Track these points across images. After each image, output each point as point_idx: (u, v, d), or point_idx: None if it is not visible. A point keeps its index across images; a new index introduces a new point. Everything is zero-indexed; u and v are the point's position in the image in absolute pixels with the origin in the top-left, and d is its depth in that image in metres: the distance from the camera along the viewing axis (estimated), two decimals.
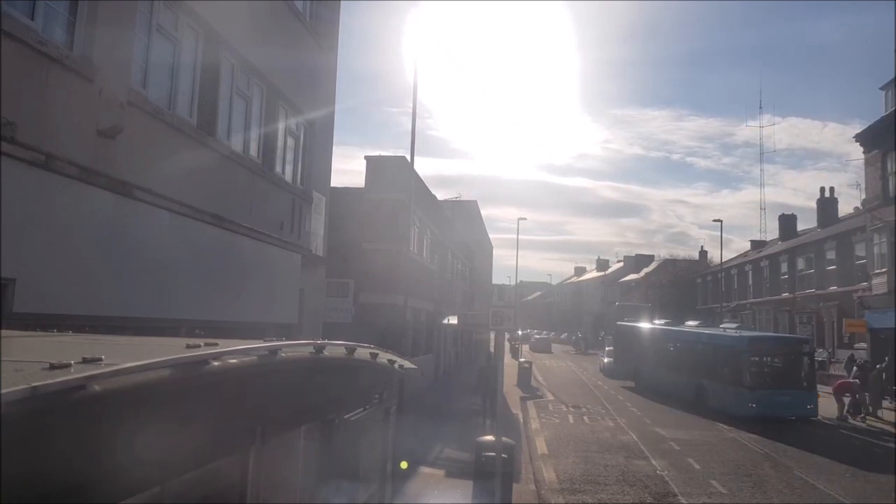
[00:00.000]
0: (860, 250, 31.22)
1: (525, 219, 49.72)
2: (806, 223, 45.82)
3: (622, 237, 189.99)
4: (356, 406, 4.57)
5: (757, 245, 51.94)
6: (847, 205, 63.61)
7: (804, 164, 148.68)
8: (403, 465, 9.66)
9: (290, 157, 11.35)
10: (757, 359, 20.96)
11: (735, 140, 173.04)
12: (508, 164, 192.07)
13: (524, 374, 28.36)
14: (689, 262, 69.27)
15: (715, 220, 47.89)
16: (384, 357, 5.12)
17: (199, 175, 8.42)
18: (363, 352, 4.49)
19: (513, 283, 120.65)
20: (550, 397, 25.74)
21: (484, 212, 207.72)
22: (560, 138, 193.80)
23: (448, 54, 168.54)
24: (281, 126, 10.81)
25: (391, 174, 19.89)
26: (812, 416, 20.40)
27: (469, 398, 20.72)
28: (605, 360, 37.90)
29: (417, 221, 22.08)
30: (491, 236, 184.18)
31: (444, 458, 13.36)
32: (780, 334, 30.93)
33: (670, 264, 69.60)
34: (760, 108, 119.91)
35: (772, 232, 54.17)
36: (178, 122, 7.92)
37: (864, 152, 29.84)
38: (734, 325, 24.99)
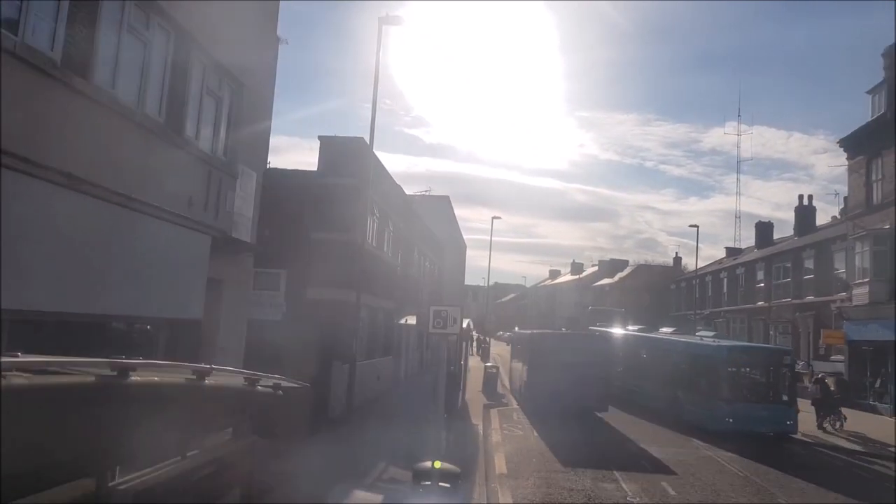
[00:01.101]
0: (839, 260, 30.23)
1: (499, 217, 47.74)
2: (776, 233, 45.23)
3: (593, 241, 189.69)
4: (170, 451, 2.98)
5: (732, 252, 51.15)
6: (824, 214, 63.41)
7: (770, 173, 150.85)
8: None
9: (208, 120, 9.52)
10: (735, 370, 19.64)
11: (701, 147, 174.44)
12: (479, 163, 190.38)
13: (490, 379, 26.77)
14: (663, 268, 68.61)
15: (691, 226, 46.81)
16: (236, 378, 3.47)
17: (69, 132, 6.63)
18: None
19: (488, 284, 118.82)
20: (516, 405, 24.18)
21: (456, 212, 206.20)
22: (529, 139, 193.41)
23: (422, 53, 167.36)
24: (195, 80, 9.00)
25: (348, 157, 18.09)
26: (791, 433, 19.13)
27: (429, 405, 19.07)
28: None
29: (377, 211, 20.32)
30: (464, 237, 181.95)
31: (385, 479, 11.64)
32: (759, 345, 29.61)
33: (644, 270, 68.92)
34: (739, 115, 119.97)
35: (744, 241, 53.56)
36: (31, 53, 6.10)
37: (847, 158, 28.82)
38: (711, 334, 23.72)
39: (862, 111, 31.62)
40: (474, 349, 52.18)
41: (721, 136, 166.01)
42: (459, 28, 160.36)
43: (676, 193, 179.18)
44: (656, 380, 23.33)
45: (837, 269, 30.20)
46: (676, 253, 70.27)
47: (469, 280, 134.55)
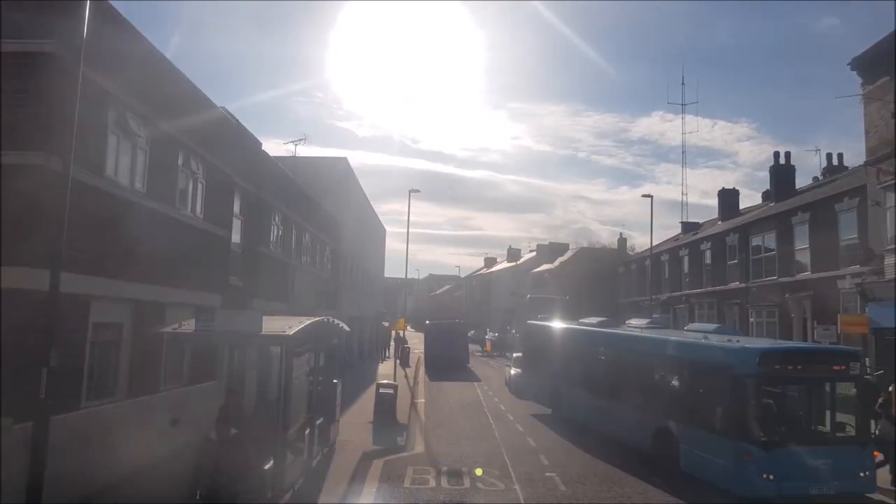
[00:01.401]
0: (847, 223, 23.10)
1: (419, 191, 39.10)
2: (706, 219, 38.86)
3: (528, 232, 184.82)
4: None
5: (690, 228, 44.19)
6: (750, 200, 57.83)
7: (697, 161, 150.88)
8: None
9: None
10: (776, 389, 11.72)
11: (630, 136, 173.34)
12: (413, 156, 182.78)
13: (384, 404, 18.04)
14: (607, 251, 61.71)
15: (644, 196, 39.58)
16: None
17: None
18: None
19: (422, 276, 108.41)
20: (419, 447, 15.64)
21: (385, 206, 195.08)
22: (461, 131, 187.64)
23: (354, 47, 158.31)
24: None
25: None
26: (868, 491, 11.36)
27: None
28: (512, 371, 28.31)
29: (136, 125, 11.16)
30: (395, 230, 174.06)
31: None
32: (807, 345, 19.80)
33: (587, 253, 61.77)
34: (690, 103, 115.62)
35: (670, 229, 47.28)
36: None
37: (862, 84, 21.57)
38: (713, 327, 15.74)
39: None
40: (391, 353, 43.57)
41: (648, 125, 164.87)
42: (389, 23, 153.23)
43: (608, 183, 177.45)
44: (630, 400, 15.27)
45: (847, 237, 23.03)
46: (621, 234, 63.46)
47: (398, 273, 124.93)
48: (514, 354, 29.62)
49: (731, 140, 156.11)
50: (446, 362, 36.44)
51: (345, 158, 34.59)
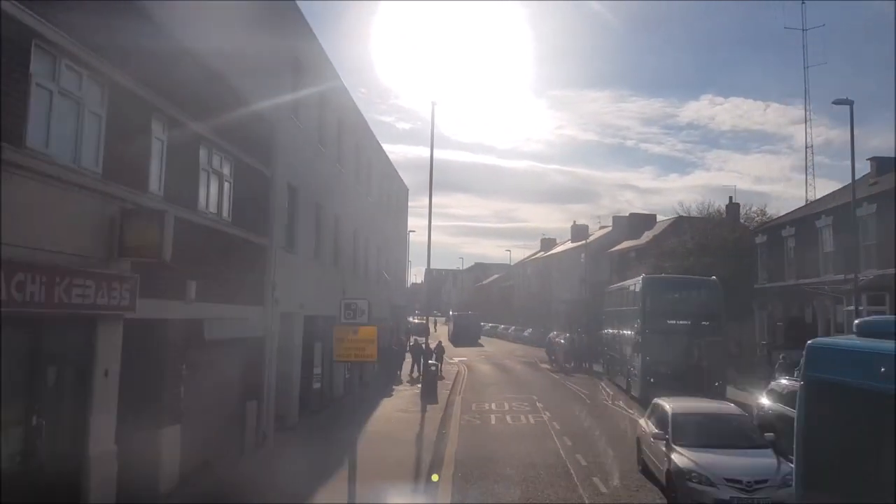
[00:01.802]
0: None
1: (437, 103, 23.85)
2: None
3: (569, 223, 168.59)
4: None
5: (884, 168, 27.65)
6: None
7: (749, 146, 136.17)
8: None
9: None
10: None
11: (679, 122, 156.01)
12: (454, 148, 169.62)
13: None
14: (716, 219, 44.51)
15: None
16: None
17: None
18: None
19: (468, 266, 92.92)
20: None
21: (436, 199, 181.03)
22: (502, 121, 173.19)
23: (395, 41, 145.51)
24: None
25: None
26: None
27: None
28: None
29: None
30: (443, 223, 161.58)
31: None
32: None
33: (688, 224, 44.73)
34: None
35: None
36: None
37: None
38: None
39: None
40: (414, 371, 29.03)
41: (697, 110, 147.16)
42: (429, 16, 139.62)
43: (656, 171, 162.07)
44: None
45: None
46: (731, 198, 46.45)
47: (450, 265, 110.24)
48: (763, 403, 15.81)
49: (784, 123, 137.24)
50: (466, 338, 56.22)
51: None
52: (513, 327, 65.34)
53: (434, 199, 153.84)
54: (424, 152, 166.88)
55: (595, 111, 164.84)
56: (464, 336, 57.06)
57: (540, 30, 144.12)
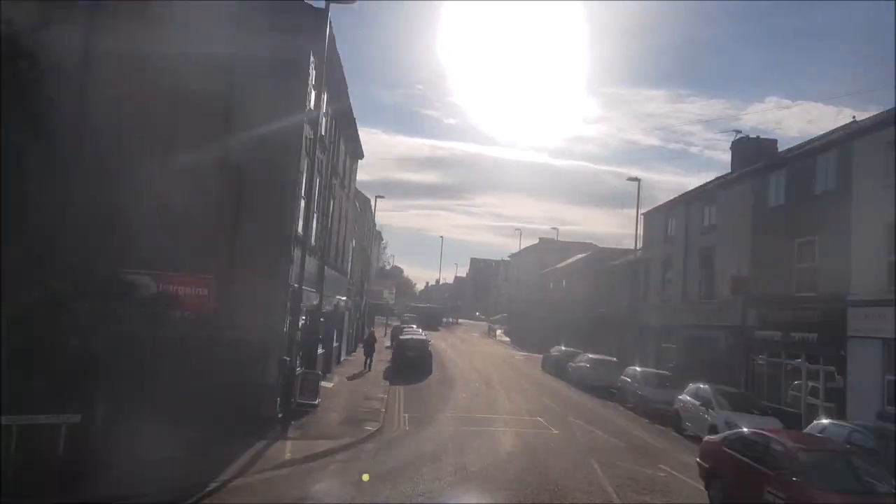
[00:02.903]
0: None
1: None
2: None
3: (628, 228, 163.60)
4: None
5: None
6: None
7: None
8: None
9: None
10: None
11: (741, 125, 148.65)
12: (503, 144, 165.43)
13: None
14: None
15: None
16: None
17: None
18: None
19: (554, 233, 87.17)
20: None
21: (476, 199, 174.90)
22: (552, 118, 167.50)
23: (446, 38, 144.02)
24: None
25: None
26: None
27: None
28: None
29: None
30: (490, 223, 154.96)
31: None
32: None
33: None
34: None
35: None
36: None
37: None
38: None
39: None
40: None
41: (762, 112, 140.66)
42: (483, 14, 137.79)
43: (716, 176, 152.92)
44: None
45: None
46: None
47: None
48: None
49: None
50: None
51: None
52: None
53: (483, 198, 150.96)
54: (472, 148, 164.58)
55: (651, 111, 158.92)
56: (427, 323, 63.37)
57: (593, 24, 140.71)
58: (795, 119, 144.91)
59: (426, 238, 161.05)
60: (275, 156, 15.80)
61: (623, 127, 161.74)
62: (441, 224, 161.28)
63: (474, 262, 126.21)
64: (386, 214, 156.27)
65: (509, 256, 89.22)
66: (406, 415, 19.94)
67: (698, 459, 13.09)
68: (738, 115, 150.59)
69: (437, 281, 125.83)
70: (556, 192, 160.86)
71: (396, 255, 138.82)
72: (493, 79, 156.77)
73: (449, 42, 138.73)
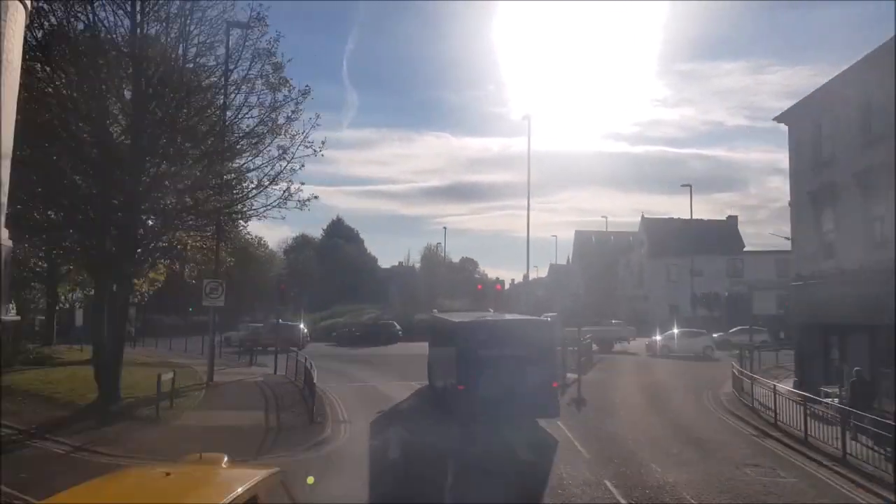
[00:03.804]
0: None
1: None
2: None
3: (721, 214, 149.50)
4: None
5: None
6: None
7: None
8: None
9: None
10: None
11: None
12: (577, 136, 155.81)
13: None
14: None
15: None
16: None
17: None
18: None
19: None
20: None
21: (554, 196, 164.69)
22: (624, 103, 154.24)
23: (508, 33, 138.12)
24: None
25: None
26: None
27: None
28: None
29: None
30: (569, 219, 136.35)
31: None
32: None
33: None
34: None
35: None
36: None
37: None
38: None
39: None
40: None
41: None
42: (539, 6, 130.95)
43: None
44: None
45: None
46: None
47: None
48: None
49: None
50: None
51: None
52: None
53: (564, 194, 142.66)
54: (545, 144, 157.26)
55: (731, 86, 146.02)
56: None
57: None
58: None
59: (509, 239, 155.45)
60: None
61: (703, 106, 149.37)
62: (522, 224, 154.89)
63: (581, 238, 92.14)
64: (464, 218, 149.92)
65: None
66: None
67: None
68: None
69: (526, 276, 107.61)
70: (640, 180, 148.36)
71: (480, 259, 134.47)
72: (557, 68, 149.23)
73: (509, 36, 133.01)
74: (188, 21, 17.71)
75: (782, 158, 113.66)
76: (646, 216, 73.20)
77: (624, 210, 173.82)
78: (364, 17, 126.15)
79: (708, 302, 52.53)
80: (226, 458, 5.44)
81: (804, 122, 22.96)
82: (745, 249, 66.36)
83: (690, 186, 51.28)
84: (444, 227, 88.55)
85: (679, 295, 62.39)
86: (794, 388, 19.89)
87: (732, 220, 70.60)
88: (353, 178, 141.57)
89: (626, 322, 49.94)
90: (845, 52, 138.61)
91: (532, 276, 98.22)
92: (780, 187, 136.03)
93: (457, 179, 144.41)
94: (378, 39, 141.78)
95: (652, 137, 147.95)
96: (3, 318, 11.48)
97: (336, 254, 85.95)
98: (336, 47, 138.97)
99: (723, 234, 64.91)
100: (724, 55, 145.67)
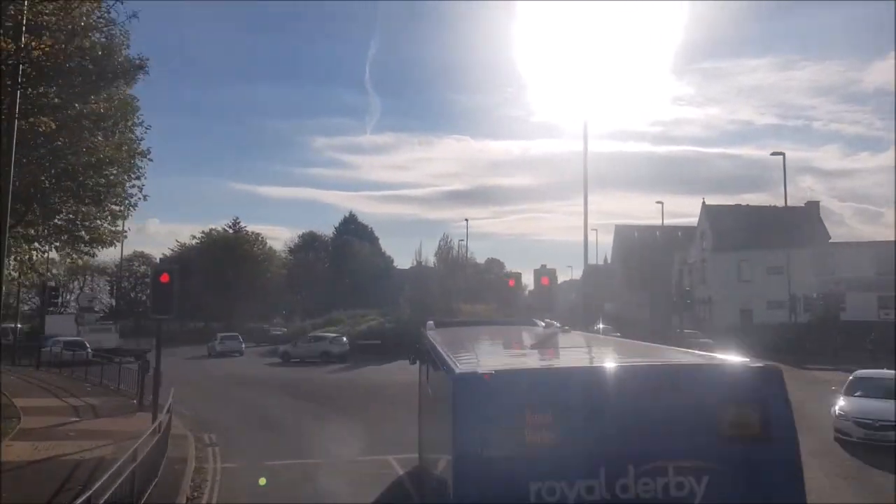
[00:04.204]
0: None
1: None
2: None
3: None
4: None
5: None
6: None
7: None
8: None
9: None
10: None
11: (864, 88, 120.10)
12: (597, 137, 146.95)
13: None
14: None
15: None
16: None
17: None
18: None
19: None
20: None
21: (576, 200, 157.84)
22: (645, 103, 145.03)
23: (528, 32, 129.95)
24: None
25: None
26: None
27: None
28: None
29: None
30: (598, 222, 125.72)
31: None
32: None
33: None
34: None
35: None
36: None
37: None
38: None
39: None
40: None
41: (885, 71, 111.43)
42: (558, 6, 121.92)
43: (842, 149, 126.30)
44: None
45: None
46: None
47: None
48: None
49: None
50: None
51: None
52: None
53: (588, 197, 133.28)
54: (565, 145, 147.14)
55: (757, 83, 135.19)
56: None
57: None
58: None
59: (531, 243, 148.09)
60: None
61: (729, 104, 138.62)
62: (545, 227, 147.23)
63: (622, 234, 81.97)
64: (485, 222, 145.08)
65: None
66: None
67: None
68: (859, 78, 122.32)
69: (586, 267, 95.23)
70: (663, 181, 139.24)
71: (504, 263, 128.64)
72: (576, 69, 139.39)
73: (528, 37, 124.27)
74: None
75: (814, 157, 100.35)
76: (707, 203, 61.91)
77: (646, 211, 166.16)
78: (384, 21, 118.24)
79: (810, 305, 41.13)
80: None
81: None
82: (830, 241, 54.71)
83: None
84: (466, 220, 78.34)
85: (752, 296, 51.38)
86: None
87: (812, 206, 58.67)
88: (374, 183, 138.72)
89: (700, 331, 38.95)
90: (875, 46, 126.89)
91: (562, 279, 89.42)
92: (812, 186, 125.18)
93: (478, 183, 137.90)
94: (395, 44, 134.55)
95: (675, 137, 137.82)
96: None
97: (347, 252, 76.62)
98: (351, 52, 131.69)
99: (802, 223, 53.35)
100: (748, 52, 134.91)
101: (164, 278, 15.04)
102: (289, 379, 27.18)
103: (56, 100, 14.89)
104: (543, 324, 11.17)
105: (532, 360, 6.46)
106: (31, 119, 11.74)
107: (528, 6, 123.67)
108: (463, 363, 5.51)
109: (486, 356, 6.84)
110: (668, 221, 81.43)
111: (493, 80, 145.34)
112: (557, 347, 7.20)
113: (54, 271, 66.70)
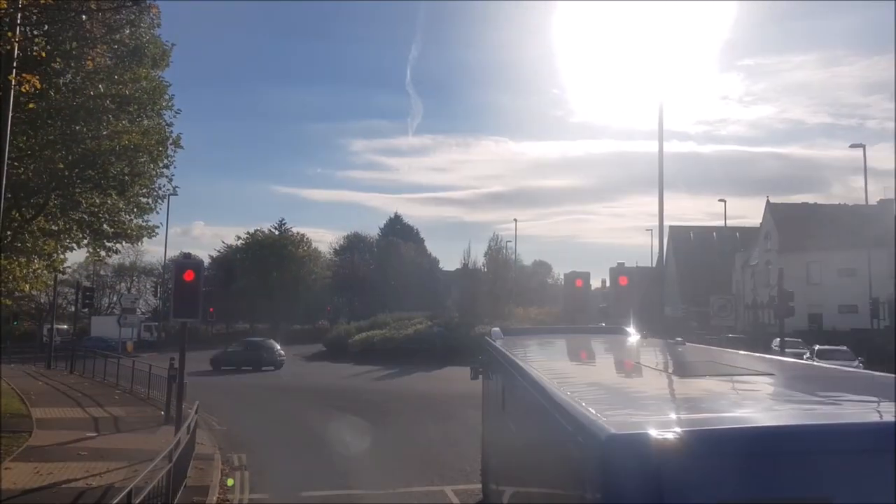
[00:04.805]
0: None
1: None
2: None
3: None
4: None
5: None
6: None
7: None
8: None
9: None
10: None
11: None
12: (641, 137, 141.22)
13: None
14: None
15: None
16: None
17: None
18: None
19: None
20: None
21: (622, 201, 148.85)
22: (689, 101, 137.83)
23: (571, 32, 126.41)
24: None
25: None
26: None
27: None
28: None
29: None
30: (639, 224, 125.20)
31: None
32: None
33: None
34: None
35: None
36: None
37: None
38: None
39: None
40: None
41: None
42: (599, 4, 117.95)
43: (892, 146, 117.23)
44: None
45: None
46: None
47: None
48: None
49: None
50: None
51: None
52: None
53: (631, 198, 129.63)
54: (608, 146, 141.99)
55: (803, 80, 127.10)
56: None
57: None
58: None
59: (577, 245, 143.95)
60: None
61: (776, 102, 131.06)
62: (588, 229, 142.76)
63: (677, 235, 72.87)
64: (528, 224, 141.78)
65: None
66: None
67: None
68: None
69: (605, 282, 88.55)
70: (710, 182, 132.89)
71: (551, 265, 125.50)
72: (617, 69, 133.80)
73: (566, 36, 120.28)
74: None
75: (869, 154, 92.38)
76: (771, 201, 57.71)
77: (695, 213, 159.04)
78: (424, 22, 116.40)
79: (891, 310, 37.28)
80: None
81: None
82: None
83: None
84: (515, 220, 74.66)
85: (821, 299, 47.19)
86: None
87: (886, 204, 53.96)
88: (414, 185, 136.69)
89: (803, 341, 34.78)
90: None
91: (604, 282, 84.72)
92: (863, 185, 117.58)
93: (519, 184, 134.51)
94: (433, 45, 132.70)
95: (721, 136, 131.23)
96: None
97: (392, 253, 75.05)
98: (389, 55, 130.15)
99: (875, 223, 48.83)
100: (794, 47, 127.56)
101: (189, 276, 13.15)
102: (334, 387, 25.20)
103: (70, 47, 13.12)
104: (635, 332, 8.66)
105: (716, 402, 3.59)
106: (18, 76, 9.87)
107: (570, 6, 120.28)
108: (601, 409, 2.97)
109: (621, 393, 4.14)
110: (717, 223, 76.88)
111: (532, 81, 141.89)
112: (714, 375, 4.33)
113: (101, 272, 67.15)
